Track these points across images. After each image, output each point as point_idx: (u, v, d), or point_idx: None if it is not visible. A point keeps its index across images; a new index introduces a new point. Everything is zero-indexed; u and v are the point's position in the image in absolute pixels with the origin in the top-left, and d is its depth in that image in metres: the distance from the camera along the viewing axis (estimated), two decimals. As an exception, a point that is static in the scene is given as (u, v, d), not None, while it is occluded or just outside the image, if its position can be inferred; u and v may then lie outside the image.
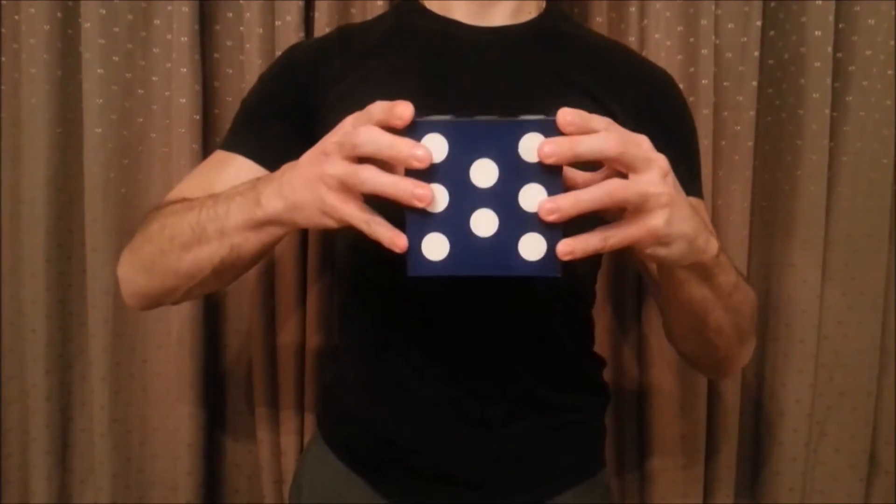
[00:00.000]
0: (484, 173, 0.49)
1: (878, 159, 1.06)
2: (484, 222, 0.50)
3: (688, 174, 0.78)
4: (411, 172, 0.49)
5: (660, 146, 0.74)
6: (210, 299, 1.08)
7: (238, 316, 1.11)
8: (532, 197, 0.49)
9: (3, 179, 1.08)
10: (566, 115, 0.47)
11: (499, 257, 0.50)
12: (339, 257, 0.83)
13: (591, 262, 0.82)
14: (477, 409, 0.76)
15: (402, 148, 0.48)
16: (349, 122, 0.52)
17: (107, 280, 1.05)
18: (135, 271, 0.71)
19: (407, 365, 0.76)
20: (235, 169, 0.74)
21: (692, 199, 0.75)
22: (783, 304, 1.09)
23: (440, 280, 0.51)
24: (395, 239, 0.50)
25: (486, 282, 0.53)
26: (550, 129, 0.48)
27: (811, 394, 1.09)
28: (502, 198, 0.49)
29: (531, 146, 0.48)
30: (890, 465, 1.14)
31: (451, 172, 0.49)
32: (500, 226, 0.50)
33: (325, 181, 0.52)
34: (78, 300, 1.10)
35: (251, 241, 0.61)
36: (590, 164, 0.50)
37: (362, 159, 0.50)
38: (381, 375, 0.78)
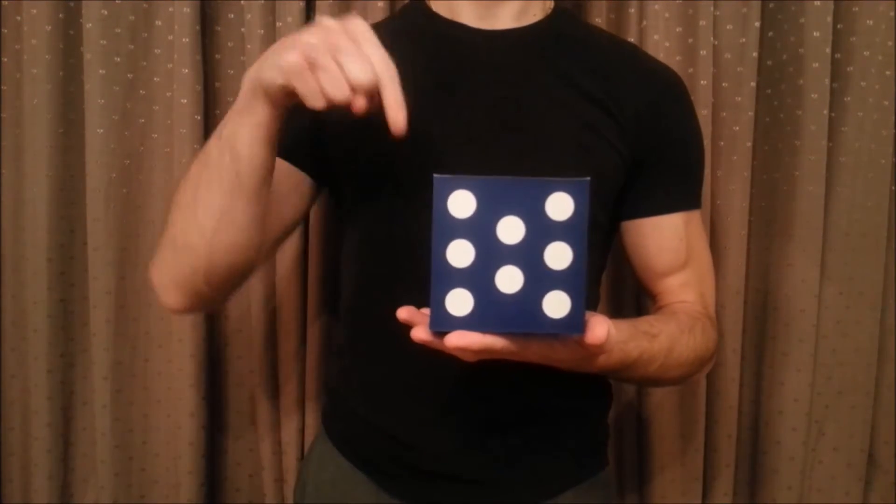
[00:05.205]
0: (510, 230, 0.49)
1: (877, 159, 1.07)
2: (509, 279, 0.50)
3: (682, 189, 0.80)
4: (439, 226, 0.49)
5: (656, 157, 0.76)
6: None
7: (239, 315, 1.11)
8: (557, 255, 0.49)
9: (4, 179, 1.08)
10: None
11: (523, 314, 0.50)
12: (344, 257, 0.83)
13: (596, 264, 0.82)
14: (480, 411, 0.76)
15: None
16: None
17: (108, 280, 1.06)
18: (162, 259, 0.71)
19: (410, 366, 0.76)
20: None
21: (683, 214, 0.80)
22: (782, 303, 1.10)
23: None
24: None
25: None
26: (578, 191, 0.49)
27: (810, 393, 1.09)
28: (528, 255, 0.50)
29: (558, 205, 0.49)
30: (888, 465, 1.14)
31: (477, 228, 0.49)
32: (525, 283, 0.50)
33: (297, 45, 0.57)
34: (80, 300, 1.10)
35: (244, 129, 0.64)
36: None
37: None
38: (384, 376, 0.79)
